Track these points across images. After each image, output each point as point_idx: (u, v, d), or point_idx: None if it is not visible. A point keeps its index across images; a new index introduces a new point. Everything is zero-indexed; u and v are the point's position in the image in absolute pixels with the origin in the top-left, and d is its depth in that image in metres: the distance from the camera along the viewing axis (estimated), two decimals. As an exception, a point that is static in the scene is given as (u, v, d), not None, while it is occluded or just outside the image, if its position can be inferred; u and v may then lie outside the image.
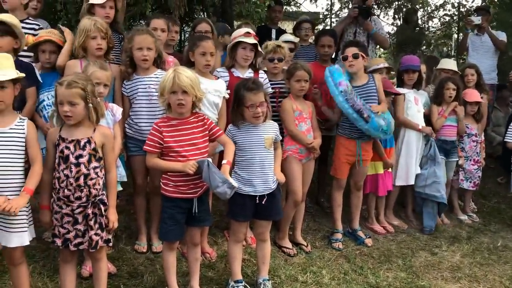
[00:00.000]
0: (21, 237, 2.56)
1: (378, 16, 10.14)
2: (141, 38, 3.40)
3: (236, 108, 3.13)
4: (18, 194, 2.53)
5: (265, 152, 3.14)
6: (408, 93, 4.63)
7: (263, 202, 3.10)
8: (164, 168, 2.90)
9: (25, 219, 2.59)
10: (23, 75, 2.63)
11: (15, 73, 2.56)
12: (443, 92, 4.76)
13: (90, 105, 2.61)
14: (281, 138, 3.36)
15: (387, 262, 3.86)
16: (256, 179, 3.09)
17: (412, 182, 4.65)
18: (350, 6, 8.35)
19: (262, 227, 3.25)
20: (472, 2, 10.72)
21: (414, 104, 4.63)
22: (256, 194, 3.09)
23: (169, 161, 2.86)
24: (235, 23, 7.11)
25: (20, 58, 3.36)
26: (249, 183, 3.09)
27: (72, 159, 2.59)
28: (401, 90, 4.63)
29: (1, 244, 2.55)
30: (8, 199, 2.46)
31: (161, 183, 2.94)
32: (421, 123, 4.63)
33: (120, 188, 3.38)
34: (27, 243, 2.60)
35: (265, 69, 4.07)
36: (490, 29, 6.53)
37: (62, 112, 2.58)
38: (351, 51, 4.05)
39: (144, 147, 2.89)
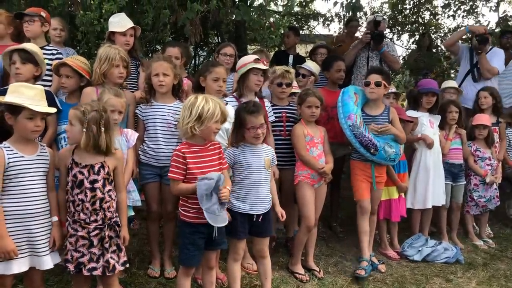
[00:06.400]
0: (53, 257, 2.70)
1: (391, 39, 10.13)
2: (157, 64, 3.49)
3: (238, 129, 3.24)
4: (47, 216, 2.67)
5: (264, 173, 3.25)
6: (422, 116, 4.64)
7: (259, 220, 3.19)
8: (193, 190, 2.78)
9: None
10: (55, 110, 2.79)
11: (54, 109, 2.72)
12: (446, 115, 4.76)
13: (84, 130, 2.61)
14: (276, 162, 3.48)
15: (401, 289, 3.81)
16: (253, 198, 3.19)
17: (429, 205, 4.60)
18: (362, 30, 8.32)
19: (260, 244, 3.32)
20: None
21: (429, 126, 4.63)
22: (252, 213, 3.17)
23: None
24: (249, 48, 7.22)
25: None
26: (247, 201, 3.18)
27: (86, 184, 2.65)
28: (414, 113, 4.63)
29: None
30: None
31: (180, 210, 2.92)
32: (437, 145, 4.63)
33: (132, 213, 3.41)
34: (59, 259, 2.74)
35: (268, 89, 4.14)
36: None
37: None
38: (374, 78, 4.02)
39: (170, 174, 2.82)
